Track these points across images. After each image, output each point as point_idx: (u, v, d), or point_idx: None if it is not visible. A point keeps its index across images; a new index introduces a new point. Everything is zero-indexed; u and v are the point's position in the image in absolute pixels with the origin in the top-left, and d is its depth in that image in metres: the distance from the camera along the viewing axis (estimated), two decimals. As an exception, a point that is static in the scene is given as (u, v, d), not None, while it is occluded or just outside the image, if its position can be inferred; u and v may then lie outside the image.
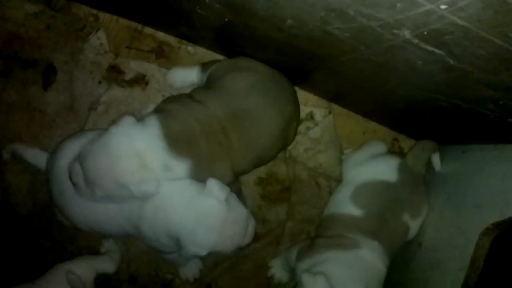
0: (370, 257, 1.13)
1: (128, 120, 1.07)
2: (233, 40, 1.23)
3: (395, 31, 0.73)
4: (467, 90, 0.82)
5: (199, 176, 1.10)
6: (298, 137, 1.38)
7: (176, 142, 1.08)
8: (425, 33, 0.70)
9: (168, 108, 1.14)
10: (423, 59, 0.77)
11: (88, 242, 1.35)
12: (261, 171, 1.39)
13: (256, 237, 1.38)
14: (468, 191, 1.13)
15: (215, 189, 1.06)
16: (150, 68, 1.36)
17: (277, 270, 1.36)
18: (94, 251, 1.32)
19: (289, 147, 1.38)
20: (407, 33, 0.71)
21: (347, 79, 1.14)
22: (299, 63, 1.17)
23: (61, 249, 1.35)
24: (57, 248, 1.35)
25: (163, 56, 1.37)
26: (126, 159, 1.04)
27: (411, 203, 1.20)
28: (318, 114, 1.40)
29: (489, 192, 1.04)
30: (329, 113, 1.40)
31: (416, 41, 0.73)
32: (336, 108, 1.40)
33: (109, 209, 1.14)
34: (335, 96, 1.37)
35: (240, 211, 1.10)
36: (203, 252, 1.06)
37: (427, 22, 0.67)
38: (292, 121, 1.22)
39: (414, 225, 1.21)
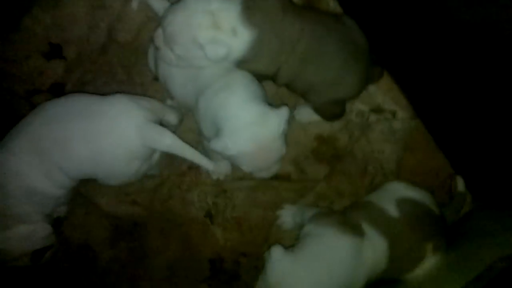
0: (366, 250, 1.14)
1: None
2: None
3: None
4: None
5: (252, 56, 1.19)
6: (381, 119, 1.46)
7: (251, 11, 1.16)
8: None
9: None
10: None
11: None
12: (326, 130, 1.47)
13: (288, 178, 1.46)
14: (496, 235, 1.17)
15: (284, 116, 1.14)
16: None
17: (286, 215, 1.40)
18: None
19: (367, 117, 1.46)
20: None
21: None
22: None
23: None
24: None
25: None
26: (202, 15, 1.13)
27: (439, 239, 1.22)
28: (401, 115, 1.47)
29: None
30: (413, 119, 1.47)
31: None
32: (418, 122, 1.47)
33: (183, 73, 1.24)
34: (424, 110, 1.45)
35: (282, 148, 1.17)
36: (229, 152, 1.12)
37: None
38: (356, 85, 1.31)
39: (428, 260, 1.20)
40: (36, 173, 1.17)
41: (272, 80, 1.30)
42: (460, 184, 1.39)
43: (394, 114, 1.47)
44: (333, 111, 1.39)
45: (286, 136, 1.19)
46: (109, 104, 1.19)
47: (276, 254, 1.08)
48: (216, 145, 1.13)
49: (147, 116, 1.20)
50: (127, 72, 1.49)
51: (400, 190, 1.26)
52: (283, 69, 1.24)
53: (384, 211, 1.20)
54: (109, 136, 1.16)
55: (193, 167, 1.46)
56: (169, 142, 1.20)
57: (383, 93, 1.47)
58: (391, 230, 1.17)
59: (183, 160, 1.44)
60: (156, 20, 1.37)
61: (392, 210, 1.20)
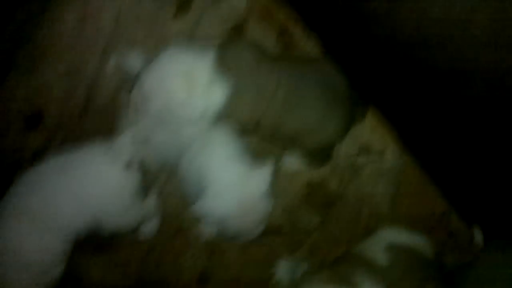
0: None
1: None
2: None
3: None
4: None
5: (229, 110, 1.15)
6: (369, 161, 1.41)
7: (225, 64, 1.13)
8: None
9: None
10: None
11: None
12: (314, 177, 1.41)
13: (279, 231, 1.41)
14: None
15: (267, 173, 1.11)
16: None
17: (282, 272, 1.35)
18: None
19: (355, 160, 1.41)
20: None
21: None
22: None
23: None
24: None
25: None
26: (174, 78, 1.10)
27: (434, 284, 1.17)
28: (390, 153, 1.42)
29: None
30: (402, 156, 1.42)
31: None
32: (409, 157, 1.43)
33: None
34: (414, 144, 1.40)
35: (268, 205, 1.13)
36: (214, 215, 1.10)
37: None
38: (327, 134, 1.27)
39: None
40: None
41: (253, 135, 1.27)
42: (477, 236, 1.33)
43: (382, 152, 1.42)
44: (319, 157, 1.35)
45: (273, 189, 1.15)
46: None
47: None
48: (200, 208, 1.08)
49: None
50: (107, 138, 1.45)
51: (389, 236, 1.21)
52: (264, 119, 1.21)
53: (374, 260, 1.15)
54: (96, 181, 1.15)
55: (183, 229, 1.41)
56: None
57: (370, 132, 1.43)
58: (384, 279, 1.12)
59: (169, 222, 1.41)
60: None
61: (381, 259, 1.15)
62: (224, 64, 1.14)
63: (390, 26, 1.01)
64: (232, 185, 1.08)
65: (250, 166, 1.11)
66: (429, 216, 1.41)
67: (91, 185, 1.15)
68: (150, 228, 1.38)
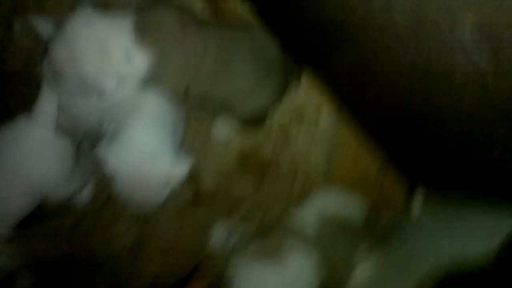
0: (294, 272, 1.11)
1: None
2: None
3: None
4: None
5: (155, 77, 1.08)
6: (303, 122, 1.38)
7: (146, 31, 1.04)
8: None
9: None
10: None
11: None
12: (247, 143, 1.38)
13: (214, 198, 1.38)
14: (431, 238, 1.15)
15: (179, 171, 1.05)
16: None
17: (217, 238, 1.34)
18: None
19: (288, 127, 1.38)
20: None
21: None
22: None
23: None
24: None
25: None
26: (85, 45, 1.01)
27: (366, 250, 1.20)
28: (325, 112, 1.40)
29: (452, 245, 1.06)
30: (338, 114, 1.40)
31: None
32: (344, 114, 1.41)
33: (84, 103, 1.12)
34: (349, 101, 1.37)
35: (162, 195, 1.08)
36: (106, 164, 1.03)
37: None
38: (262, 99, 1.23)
39: (359, 271, 1.18)
40: None
41: (183, 102, 1.20)
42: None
43: (317, 116, 1.40)
44: (252, 124, 1.31)
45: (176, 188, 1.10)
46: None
47: None
48: (100, 150, 1.02)
49: None
50: (23, 106, 1.34)
51: (320, 205, 1.21)
52: (192, 88, 1.14)
53: (303, 230, 1.15)
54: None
55: (112, 198, 1.36)
56: None
57: (304, 96, 1.40)
58: (313, 249, 1.13)
59: (99, 192, 1.36)
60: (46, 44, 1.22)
61: (311, 229, 1.15)
62: (144, 30, 1.05)
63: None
64: (139, 152, 1.01)
65: (166, 150, 1.04)
66: (365, 176, 1.42)
67: (28, 161, 1.07)
68: (84, 196, 1.33)
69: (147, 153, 1.03)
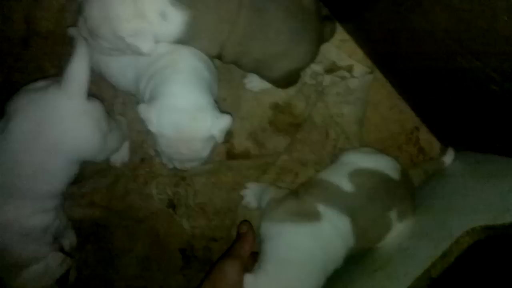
0: (329, 232, 1.08)
1: None
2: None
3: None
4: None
5: (190, 37, 1.07)
6: (336, 79, 1.35)
7: None
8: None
9: None
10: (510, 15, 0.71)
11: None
12: (281, 97, 1.37)
13: (247, 155, 1.38)
14: (468, 195, 1.12)
15: (220, 125, 1.05)
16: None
17: (250, 194, 1.34)
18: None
19: (324, 84, 1.35)
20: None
21: (408, 38, 1.09)
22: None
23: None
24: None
25: None
26: (120, 5, 0.99)
27: (403, 204, 1.16)
28: (358, 70, 1.35)
29: (490, 200, 1.03)
30: (371, 73, 1.36)
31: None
32: (377, 74, 1.37)
33: (120, 60, 1.12)
34: (382, 60, 1.33)
35: (205, 151, 1.09)
36: (150, 125, 1.03)
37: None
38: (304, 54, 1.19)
39: (396, 228, 1.16)
40: (22, 212, 1.11)
41: (218, 59, 1.18)
42: (448, 157, 1.30)
43: (350, 70, 1.35)
44: (287, 81, 1.28)
45: (215, 144, 1.11)
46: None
47: (249, 282, 1.02)
48: (143, 110, 1.03)
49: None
50: (57, 65, 1.35)
51: (353, 161, 1.18)
52: (226, 48, 1.11)
53: (338, 187, 1.13)
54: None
55: (146, 158, 1.38)
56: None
57: (337, 48, 1.36)
58: (349, 205, 1.11)
59: (134, 152, 1.37)
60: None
61: (346, 185, 1.13)
62: None
63: None
64: (180, 111, 1.01)
65: (206, 107, 1.04)
66: (399, 133, 1.39)
67: (66, 132, 1.07)
68: (121, 156, 1.35)
69: (187, 111, 1.03)
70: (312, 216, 1.08)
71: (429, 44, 0.98)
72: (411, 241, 1.14)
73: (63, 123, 1.07)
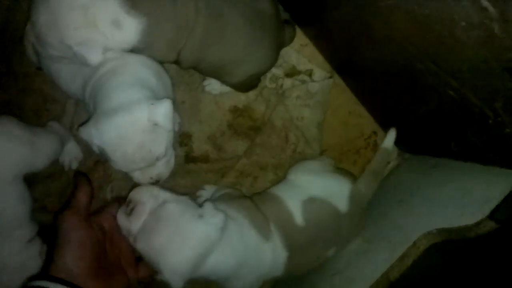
0: (267, 255, 1.07)
1: None
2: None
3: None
4: (491, 77, 0.78)
5: (146, 44, 1.02)
6: (296, 83, 1.35)
7: None
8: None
9: None
10: (468, 21, 0.72)
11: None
12: (240, 101, 1.35)
13: (206, 159, 1.36)
14: (425, 200, 1.14)
15: (159, 109, 0.97)
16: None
17: (206, 195, 1.29)
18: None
19: (284, 87, 1.35)
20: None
21: (367, 42, 1.10)
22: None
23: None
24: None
25: None
26: (69, 12, 0.93)
27: (344, 239, 1.16)
28: (318, 74, 1.36)
29: (446, 204, 1.05)
30: (330, 77, 1.36)
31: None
32: (337, 78, 1.38)
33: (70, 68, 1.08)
34: (341, 64, 1.34)
35: (158, 145, 1.00)
36: (94, 141, 0.97)
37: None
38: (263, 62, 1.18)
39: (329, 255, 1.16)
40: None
41: (176, 65, 1.15)
42: (388, 138, 1.26)
43: (310, 74, 1.36)
44: (248, 85, 1.27)
45: (175, 135, 1.06)
46: None
47: None
48: (82, 132, 0.96)
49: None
50: (6, 64, 1.29)
51: (306, 186, 1.16)
52: (184, 54, 1.08)
53: (292, 217, 1.10)
54: None
55: (100, 162, 1.33)
56: None
57: (297, 52, 1.36)
58: (293, 241, 1.09)
59: (88, 155, 1.32)
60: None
61: (299, 218, 1.10)
62: None
63: None
64: (113, 111, 0.94)
65: (137, 97, 0.97)
66: (358, 137, 1.40)
67: None
68: (70, 154, 1.30)
69: (123, 108, 0.95)
70: (264, 231, 1.07)
71: (388, 49, 0.99)
72: (369, 245, 1.15)
73: None
